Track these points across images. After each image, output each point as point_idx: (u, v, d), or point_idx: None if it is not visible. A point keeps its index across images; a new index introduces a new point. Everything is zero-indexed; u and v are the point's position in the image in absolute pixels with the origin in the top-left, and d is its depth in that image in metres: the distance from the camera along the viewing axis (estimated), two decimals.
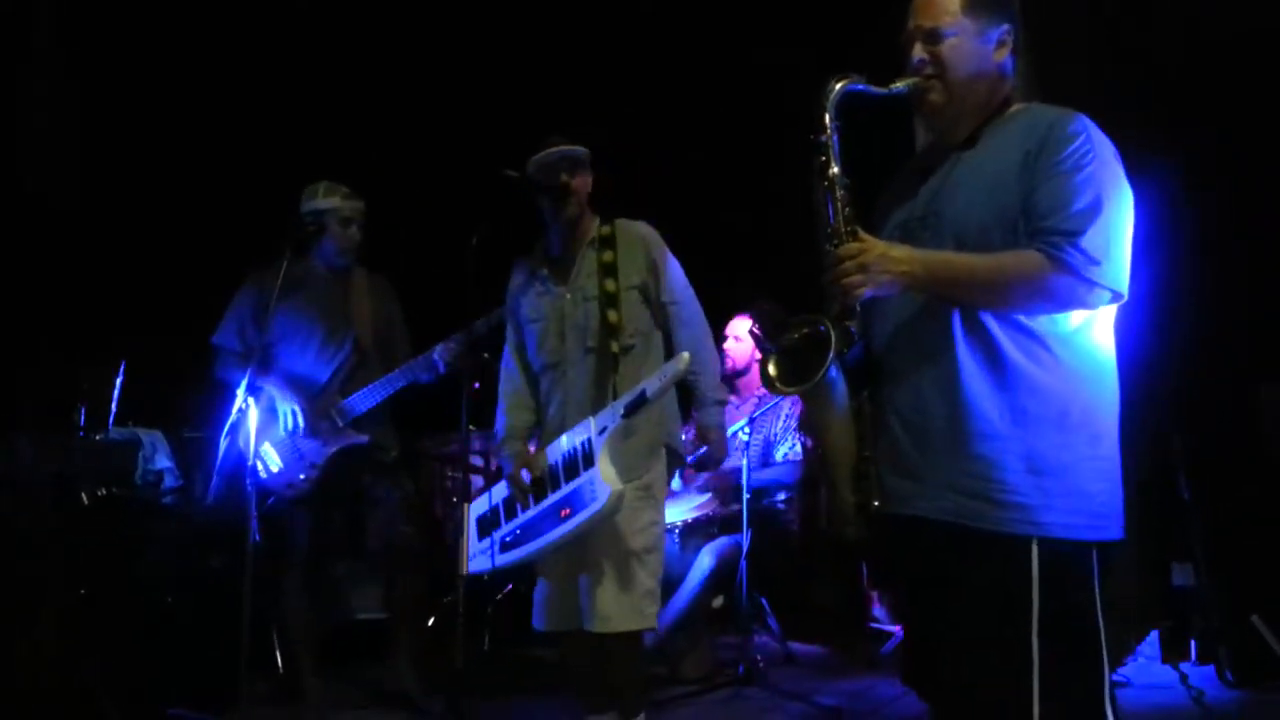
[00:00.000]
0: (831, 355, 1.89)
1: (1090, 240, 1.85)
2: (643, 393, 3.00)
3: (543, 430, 3.32)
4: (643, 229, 3.30)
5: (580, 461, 3.06)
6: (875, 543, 2.04)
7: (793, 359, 1.97)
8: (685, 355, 3.01)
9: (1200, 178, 4.44)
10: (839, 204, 1.97)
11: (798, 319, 1.98)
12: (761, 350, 2.02)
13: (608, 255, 3.22)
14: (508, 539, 3.18)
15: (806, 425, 1.95)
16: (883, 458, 1.98)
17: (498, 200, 3.07)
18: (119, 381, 4.13)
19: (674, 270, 3.29)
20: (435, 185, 5.53)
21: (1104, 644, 1.90)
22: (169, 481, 4.36)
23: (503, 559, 3.15)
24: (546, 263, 3.33)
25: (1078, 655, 1.89)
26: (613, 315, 3.16)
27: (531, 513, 3.15)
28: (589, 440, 3.05)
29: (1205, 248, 4.45)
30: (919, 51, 2.04)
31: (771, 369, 1.99)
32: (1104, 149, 1.94)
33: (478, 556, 3.26)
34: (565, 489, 3.08)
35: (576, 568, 3.13)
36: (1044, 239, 1.87)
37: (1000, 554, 1.89)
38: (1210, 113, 4.48)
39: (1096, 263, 1.86)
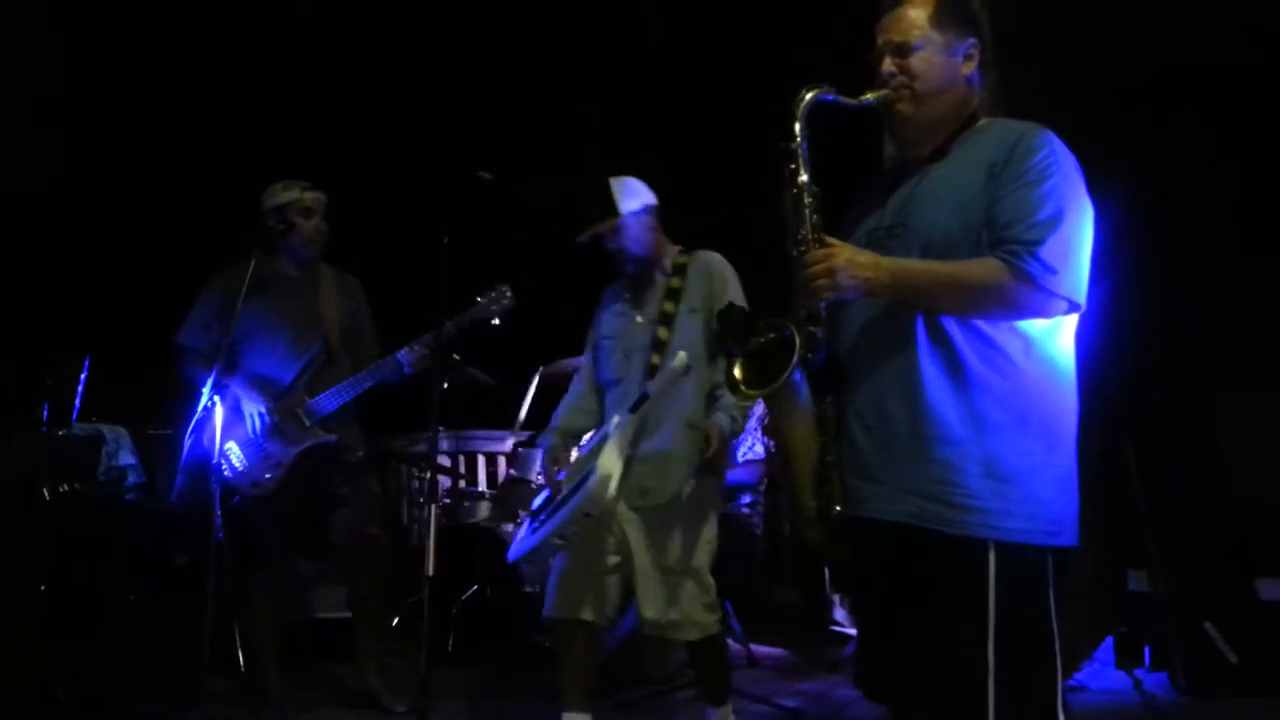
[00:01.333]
0: (796, 359, 1.91)
1: (1049, 250, 1.89)
2: (644, 393, 3.15)
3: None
4: (713, 258, 3.44)
5: (593, 455, 3.18)
6: (837, 547, 2.06)
7: (758, 362, 1.99)
8: (682, 354, 3.14)
9: (1160, 191, 4.53)
10: (807, 211, 2.00)
11: (764, 322, 2.01)
12: (727, 353, 2.05)
13: (675, 281, 3.39)
14: (534, 525, 3.32)
15: (770, 429, 1.97)
16: (844, 461, 2.01)
17: (471, 201, 3.08)
18: (83, 378, 4.10)
19: (736, 299, 3.38)
20: (408, 185, 5.53)
21: (1058, 649, 1.94)
22: (132, 479, 4.33)
23: (532, 540, 3.26)
24: (628, 287, 3.49)
25: (1032, 659, 1.92)
26: (662, 333, 3.32)
27: (559, 502, 3.26)
28: (606, 434, 3.19)
29: (1163, 259, 4.54)
30: (889, 65, 2.08)
31: (737, 372, 2.02)
32: (1067, 163, 1.98)
33: (519, 543, 3.40)
34: (580, 480, 3.19)
35: (602, 561, 3.24)
36: (1004, 248, 1.91)
37: (958, 557, 1.92)
38: (1169, 127, 4.58)
39: (1054, 272, 1.90)
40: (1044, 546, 1.94)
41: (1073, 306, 1.95)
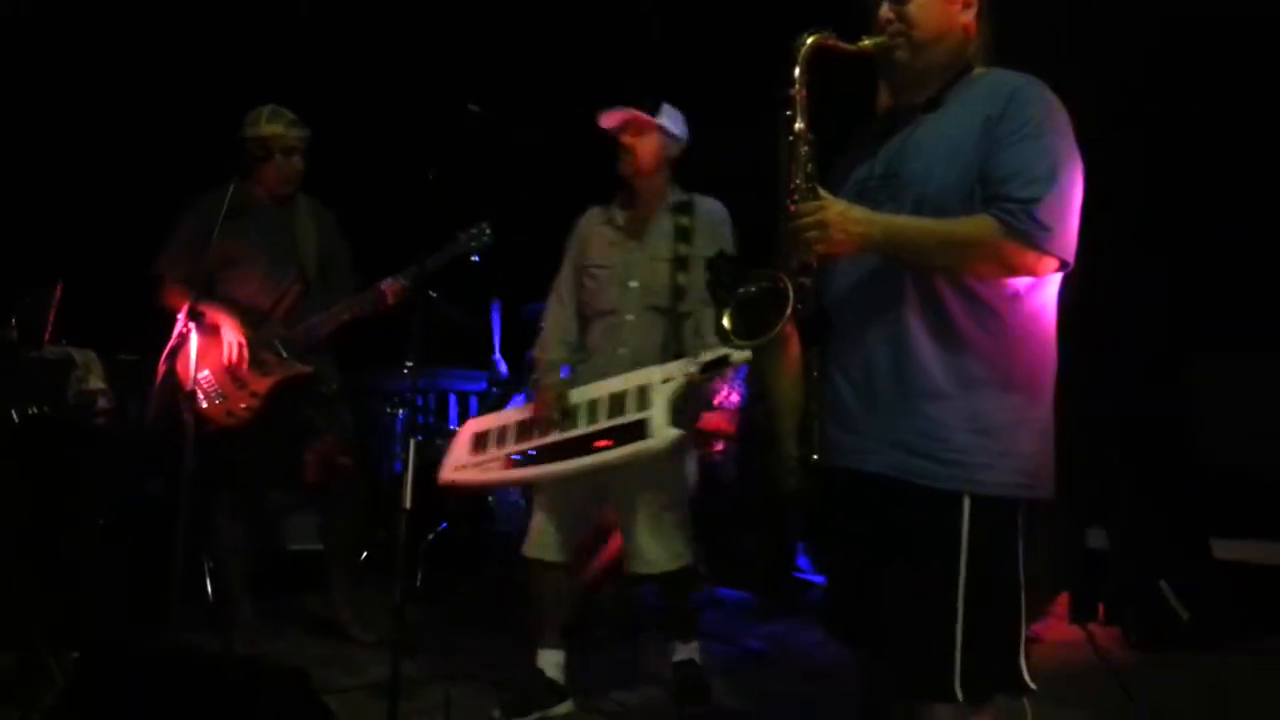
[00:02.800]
0: (789, 312, 1.91)
1: (1045, 209, 1.89)
2: (726, 357, 3.10)
3: (579, 371, 3.39)
4: (717, 205, 3.42)
5: (632, 403, 3.15)
6: (812, 495, 2.08)
7: (748, 312, 1.99)
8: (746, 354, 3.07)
9: (1143, 145, 4.54)
10: (802, 160, 1.98)
11: (755, 272, 2.00)
12: (717, 302, 2.05)
13: (685, 220, 3.34)
14: (518, 458, 3.24)
15: (758, 383, 1.99)
16: (824, 411, 2.02)
17: (459, 136, 3.03)
18: (56, 300, 4.04)
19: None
20: (393, 118, 5.45)
21: (1023, 599, 1.98)
22: (102, 403, 4.28)
23: (515, 474, 3.28)
24: (622, 216, 3.43)
25: (999, 608, 1.96)
26: (682, 278, 3.28)
27: (553, 438, 3.22)
28: (648, 387, 3.14)
29: (1141, 217, 4.57)
30: (886, 11, 2.06)
31: (726, 321, 2.01)
32: (1061, 119, 1.98)
33: (464, 468, 3.32)
34: (605, 424, 3.15)
35: (586, 506, 3.31)
36: (999, 205, 1.91)
37: (932, 508, 1.95)
38: (1154, 83, 4.59)
39: (1050, 230, 1.90)
40: (1018, 499, 1.98)
41: (1063, 265, 1.97)
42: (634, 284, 3.33)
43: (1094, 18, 4.44)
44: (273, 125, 3.86)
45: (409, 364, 4.54)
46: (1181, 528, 4.30)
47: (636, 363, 3.25)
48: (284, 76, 4.76)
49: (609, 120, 3.36)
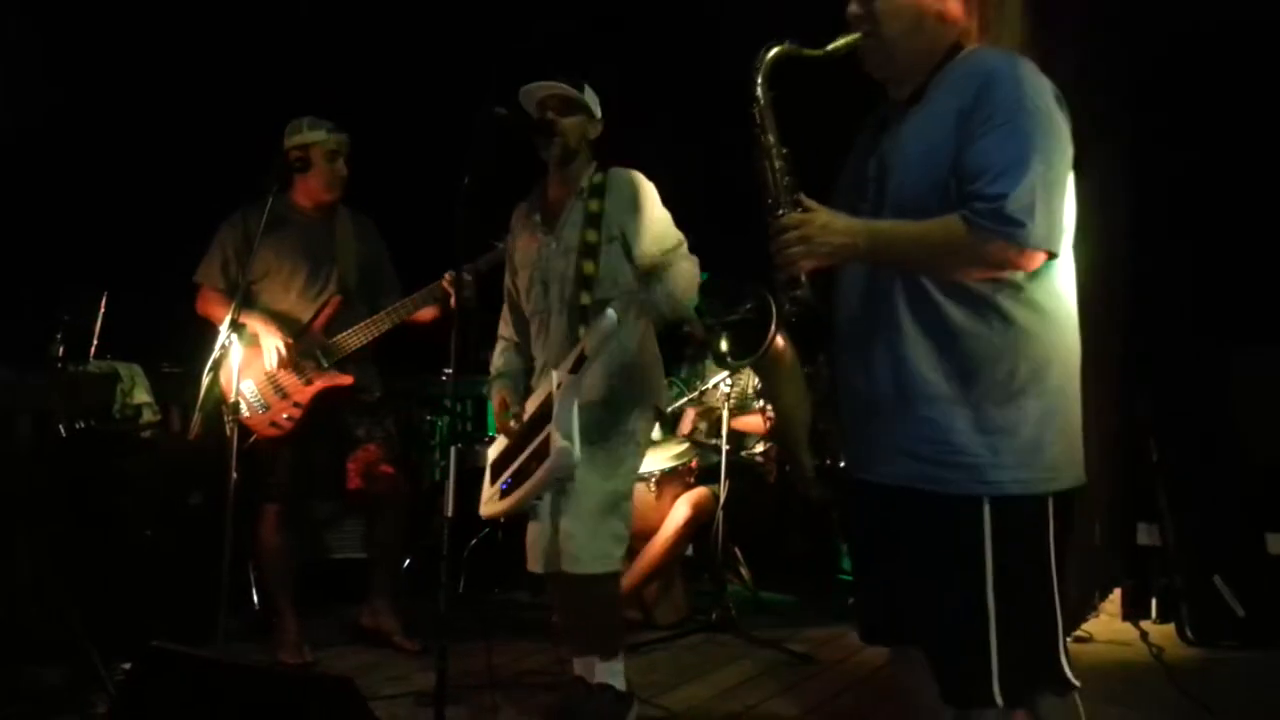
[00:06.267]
0: (774, 329, 1.90)
1: (1015, 202, 1.80)
2: (581, 351, 2.99)
3: (536, 379, 3.31)
4: (628, 176, 3.22)
5: (546, 415, 3.05)
6: (840, 500, 2.08)
7: (743, 331, 1.98)
8: (611, 314, 2.97)
9: (1185, 140, 4.48)
10: (777, 173, 1.96)
11: (744, 290, 2.00)
12: (707, 326, 2.05)
13: (594, 204, 3.15)
14: (505, 487, 3.18)
15: (761, 392, 2.02)
16: (845, 422, 2.01)
17: (489, 139, 3.02)
18: (101, 314, 4.09)
19: (651, 222, 3.18)
20: (425, 124, 5.47)
21: (1057, 595, 1.94)
22: (147, 416, 4.34)
23: (502, 505, 3.16)
24: (540, 207, 3.29)
25: (1032, 606, 1.92)
26: (588, 267, 3.10)
27: (518, 462, 3.15)
28: (550, 394, 3.04)
29: (1184, 211, 4.51)
30: (854, 8, 2.01)
31: (723, 344, 2.02)
32: (1037, 96, 1.88)
33: (489, 502, 3.26)
34: (536, 441, 3.07)
35: (558, 509, 3.16)
36: (969, 205, 1.84)
37: (952, 514, 1.91)
38: (1193, 77, 4.52)
39: (1022, 225, 1.81)
40: (1041, 493, 1.93)
41: (1050, 256, 1.88)
42: (552, 281, 3.18)
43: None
44: (314, 132, 3.89)
45: (448, 371, 4.55)
46: (1234, 523, 4.23)
47: (559, 364, 3.10)
48: (316, 87, 4.80)
49: (536, 95, 3.17)
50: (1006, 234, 1.81)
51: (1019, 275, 1.90)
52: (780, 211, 1.93)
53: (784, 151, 1.97)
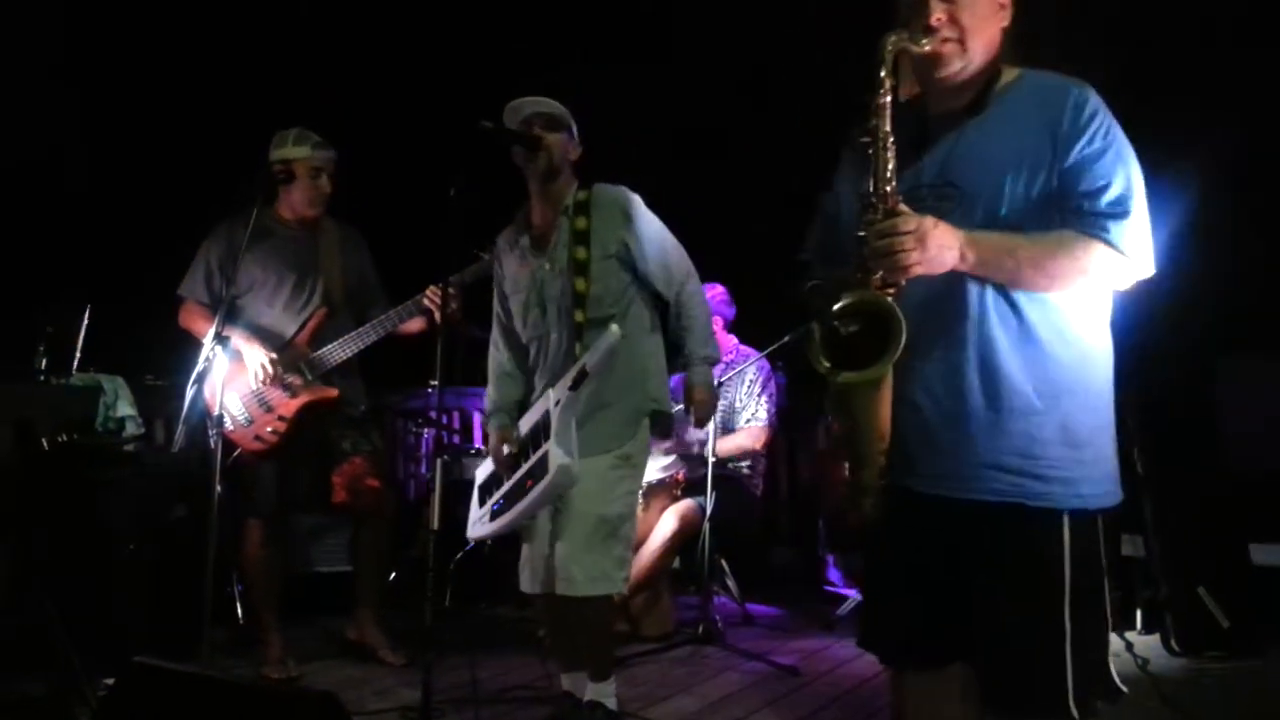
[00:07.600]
0: (903, 341, 1.81)
1: (1135, 223, 1.90)
2: (583, 367, 2.99)
3: (533, 402, 3.28)
4: (618, 191, 3.21)
5: (541, 434, 3.04)
6: (885, 517, 1.97)
7: (840, 340, 1.88)
8: (615, 329, 2.98)
9: (1165, 150, 4.50)
10: (883, 165, 1.89)
11: (850, 294, 1.88)
12: (807, 332, 1.90)
13: (581, 222, 3.14)
14: (495, 508, 3.17)
15: (836, 406, 1.85)
16: (909, 434, 1.95)
17: (474, 152, 3.01)
18: (84, 326, 4.07)
19: (651, 232, 3.20)
20: (410, 137, 5.47)
21: (1108, 605, 1.96)
22: (130, 429, 4.31)
23: (491, 527, 3.15)
24: (527, 232, 3.27)
25: (1096, 617, 1.93)
26: (580, 284, 3.09)
27: (510, 483, 3.14)
28: (548, 412, 3.03)
29: (1164, 221, 4.51)
30: (937, 11, 1.96)
31: (824, 355, 1.88)
32: (1117, 123, 1.95)
33: (478, 524, 3.25)
34: (532, 460, 3.06)
35: (555, 533, 3.13)
36: (1091, 220, 1.89)
37: (1034, 528, 1.90)
38: (1178, 82, 4.55)
39: (1142, 244, 1.91)
40: (1105, 508, 1.95)
41: (1146, 276, 1.96)
42: (550, 302, 3.17)
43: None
44: (299, 147, 3.87)
45: (433, 383, 4.54)
46: (1219, 534, 4.24)
47: (559, 383, 3.08)
48: (304, 99, 4.79)
49: (522, 110, 3.14)
50: (1129, 252, 1.90)
51: (1091, 292, 1.96)
52: (882, 209, 1.87)
53: (894, 144, 1.90)
